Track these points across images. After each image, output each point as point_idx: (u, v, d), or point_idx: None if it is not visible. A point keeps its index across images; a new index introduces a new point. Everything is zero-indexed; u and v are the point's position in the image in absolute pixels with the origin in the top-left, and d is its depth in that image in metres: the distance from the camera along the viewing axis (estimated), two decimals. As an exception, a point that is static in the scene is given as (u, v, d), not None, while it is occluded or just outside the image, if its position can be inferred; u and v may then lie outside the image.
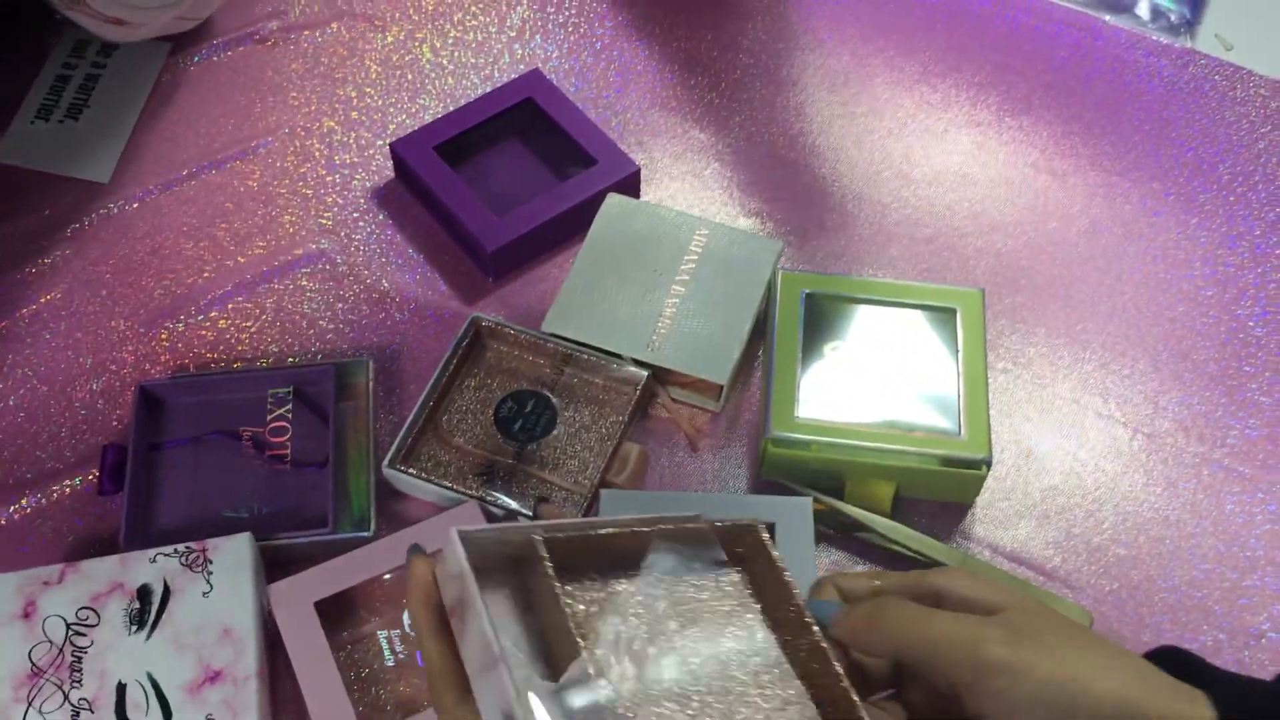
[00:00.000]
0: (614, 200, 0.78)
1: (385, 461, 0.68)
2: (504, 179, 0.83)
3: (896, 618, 0.49)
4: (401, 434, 0.69)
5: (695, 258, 0.76)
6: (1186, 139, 0.87)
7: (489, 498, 0.68)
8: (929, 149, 0.86)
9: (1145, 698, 0.46)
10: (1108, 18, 0.94)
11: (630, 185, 0.81)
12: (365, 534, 0.67)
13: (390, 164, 0.84)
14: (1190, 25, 0.94)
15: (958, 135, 0.87)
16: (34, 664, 0.60)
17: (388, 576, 0.65)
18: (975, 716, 0.49)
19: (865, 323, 0.74)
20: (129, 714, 0.58)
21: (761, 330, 0.75)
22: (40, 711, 0.58)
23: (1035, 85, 0.90)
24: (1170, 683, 0.47)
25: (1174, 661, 0.49)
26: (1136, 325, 0.78)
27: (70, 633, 0.61)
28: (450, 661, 0.45)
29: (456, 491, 0.68)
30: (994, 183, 0.85)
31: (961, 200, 0.84)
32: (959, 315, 0.73)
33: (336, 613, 0.64)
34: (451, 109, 0.86)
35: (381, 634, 0.64)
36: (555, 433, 0.71)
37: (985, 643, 0.47)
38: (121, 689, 0.59)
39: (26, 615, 0.61)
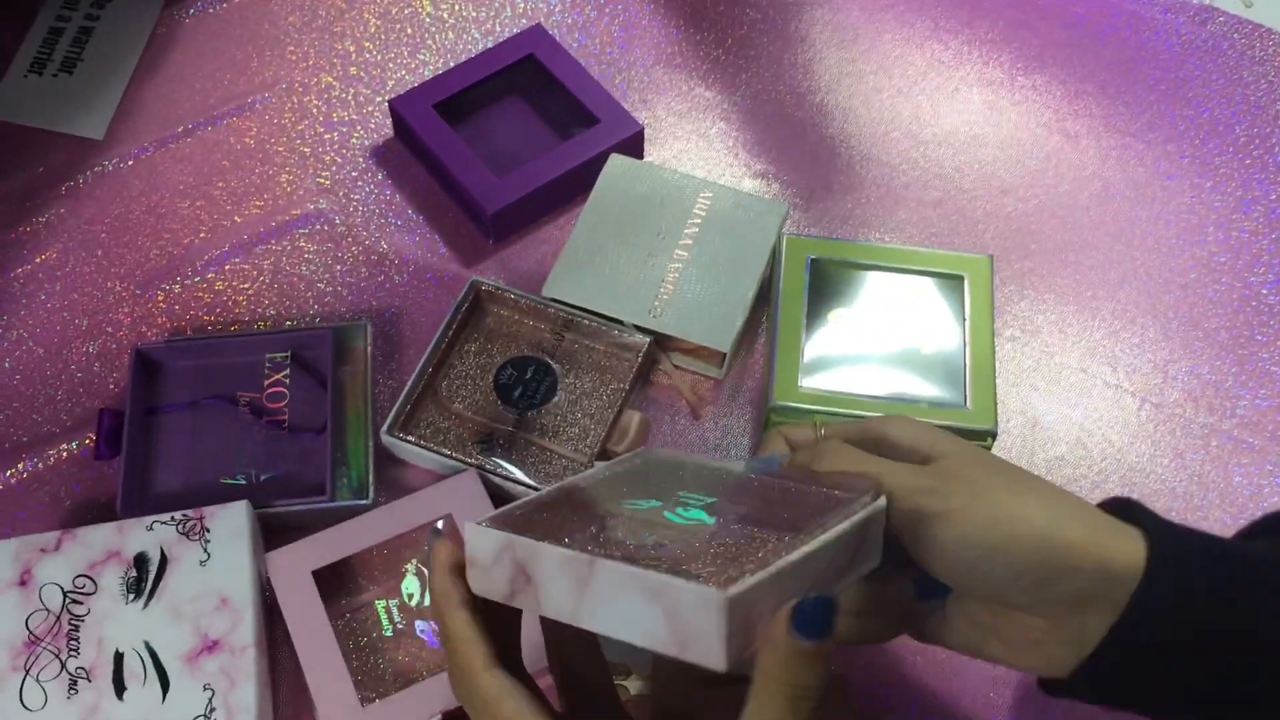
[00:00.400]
0: (617, 161, 0.77)
1: (384, 428, 0.68)
2: (505, 138, 0.81)
3: (834, 463, 0.50)
4: (400, 400, 0.69)
5: (699, 221, 0.74)
6: (1203, 99, 0.85)
7: (488, 465, 0.67)
8: (939, 108, 0.85)
9: (1073, 534, 0.47)
10: (1125, -28, 0.91)
11: (634, 145, 0.79)
12: (364, 502, 0.66)
13: (389, 121, 0.83)
14: (1210, -20, 0.92)
15: (969, 94, 0.85)
16: (31, 632, 0.60)
17: (407, 541, 0.65)
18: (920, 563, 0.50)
19: (871, 289, 0.73)
20: (127, 683, 0.58)
21: (766, 296, 0.74)
22: (38, 680, 0.58)
23: (1049, 42, 0.88)
24: (1107, 521, 0.48)
25: (1124, 509, 0.49)
26: (1147, 292, 0.77)
27: (67, 601, 0.60)
28: (479, 629, 0.45)
29: (456, 459, 0.67)
30: (1005, 144, 0.83)
31: (971, 162, 0.82)
32: (966, 282, 0.72)
33: (334, 581, 0.64)
34: (452, 65, 0.84)
35: (379, 603, 0.64)
36: (555, 400, 0.70)
37: (917, 492, 0.48)
38: (119, 658, 0.59)
39: (23, 583, 0.61)
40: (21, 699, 0.58)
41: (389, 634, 0.63)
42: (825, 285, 0.73)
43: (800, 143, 0.83)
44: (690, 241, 0.74)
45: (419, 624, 0.64)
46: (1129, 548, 0.47)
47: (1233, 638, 0.46)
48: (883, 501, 0.48)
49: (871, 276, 0.73)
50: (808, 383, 0.69)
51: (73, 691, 0.58)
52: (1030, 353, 0.74)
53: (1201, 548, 0.48)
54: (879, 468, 0.49)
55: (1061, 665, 0.48)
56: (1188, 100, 0.85)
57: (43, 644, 0.59)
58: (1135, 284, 0.77)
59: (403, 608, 0.64)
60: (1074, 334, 0.75)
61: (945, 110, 0.85)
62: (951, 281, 0.73)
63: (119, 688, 0.58)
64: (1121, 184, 0.81)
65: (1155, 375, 0.74)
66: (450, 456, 0.67)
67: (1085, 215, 0.80)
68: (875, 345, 0.71)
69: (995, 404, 0.68)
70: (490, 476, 0.67)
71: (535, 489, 0.66)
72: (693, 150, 0.83)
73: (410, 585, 0.65)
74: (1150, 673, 0.47)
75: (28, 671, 0.59)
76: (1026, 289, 0.77)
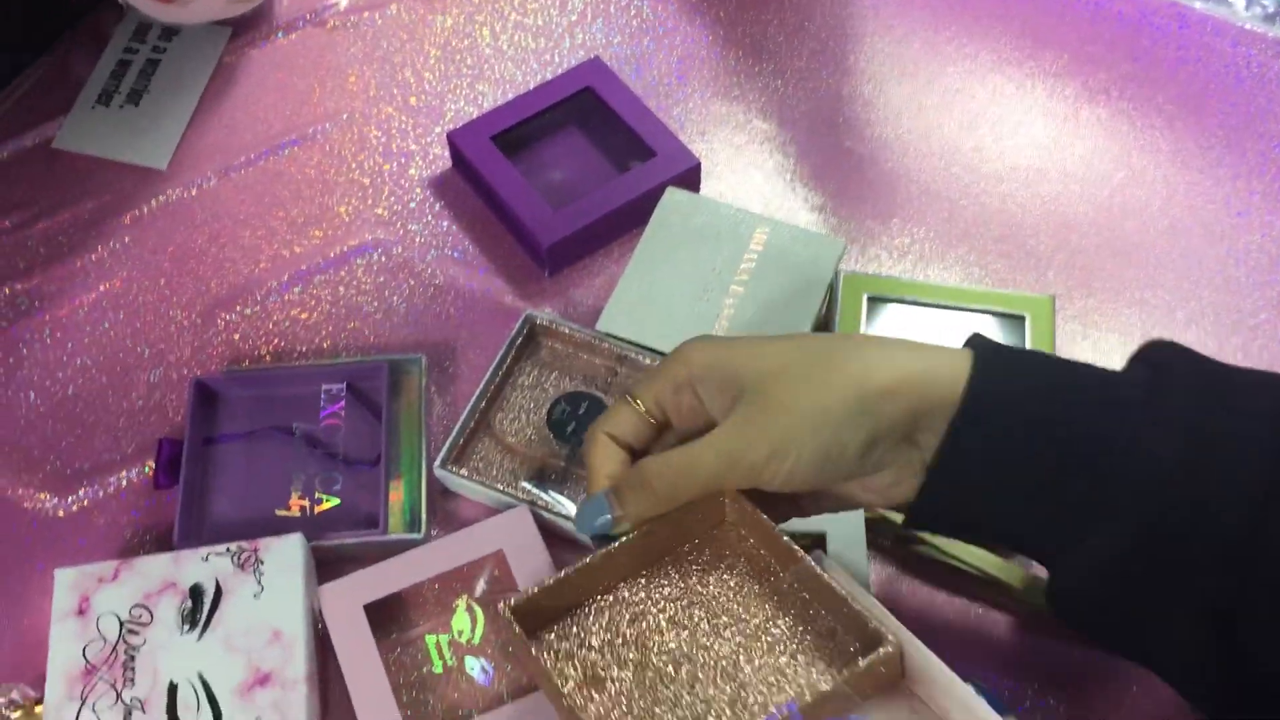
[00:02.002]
0: (673, 195, 0.76)
1: (437, 462, 0.68)
2: (561, 170, 0.81)
3: (665, 480, 0.51)
4: (454, 433, 0.69)
5: (755, 256, 0.74)
6: (1275, 134, 0.83)
7: (541, 500, 0.67)
8: (1002, 142, 0.83)
9: (882, 379, 0.47)
10: (1198, 4, 0.89)
11: (690, 179, 0.79)
12: (416, 535, 0.66)
13: (447, 153, 0.83)
14: (1283, 11, 0.90)
15: (1032, 128, 0.84)
16: (88, 661, 0.60)
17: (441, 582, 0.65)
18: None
19: (930, 328, 0.72)
20: (180, 714, 0.59)
21: (824, 332, 0.73)
22: (94, 710, 0.59)
23: (1116, 75, 0.86)
24: (925, 350, 0.49)
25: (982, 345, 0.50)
26: (1215, 334, 0.75)
27: (124, 630, 0.61)
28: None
29: (508, 494, 0.67)
30: (1069, 179, 0.82)
31: (1034, 198, 0.81)
32: (1028, 323, 0.71)
33: (386, 615, 0.64)
34: (510, 96, 0.85)
35: (430, 638, 0.64)
36: (608, 436, 0.70)
37: (740, 453, 0.50)
38: (173, 689, 0.59)
39: (81, 612, 0.62)
40: (78, 728, 0.58)
41: (439, 670, 0.63)
42: (883, 324, 0.72)
43: (859, 177, 0.82)
44: (746, 277, 0.73)
45: (469, 661, 0.63)
46: (952, 373, 0.47)
47: (1054, 446, 0.46)
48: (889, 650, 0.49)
49: (930, 315, 0.72)
50: (864, 423, 0.68)
51: (127, 722, 0.59)
52: (1093, 394, 0.73)
53: (1026, 360, 0.49)
54: (700, 459, 0.51)
55: (910, 489, 0.50)
56: (1259, 134, 0.83)
57: (99, 673, 0.60)
58: (1203, 325, 0.75)
59: (454, 644, 0.64)
60: (1139, 375, 0.73)
61: (1008, 144, 0.83)
62: (1013, 321, 0.72)
63: (173, 719, 0.59)
64: (1189, 221, 0.80)
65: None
66: (502, 491, 0.67)
67: (1151, 253, 0.78)
68: (933, 385, 0.70)
69: (1056, 448, 0.66)
70: (542, 512, 0.66)
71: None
72: (750, 184, 0.82)
73: (461, 621, 0.65)
74: (982, 490, 0.48)
75: (84, 700, 0.59)
76: (1090, 329, 0.75)
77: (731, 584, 0.53)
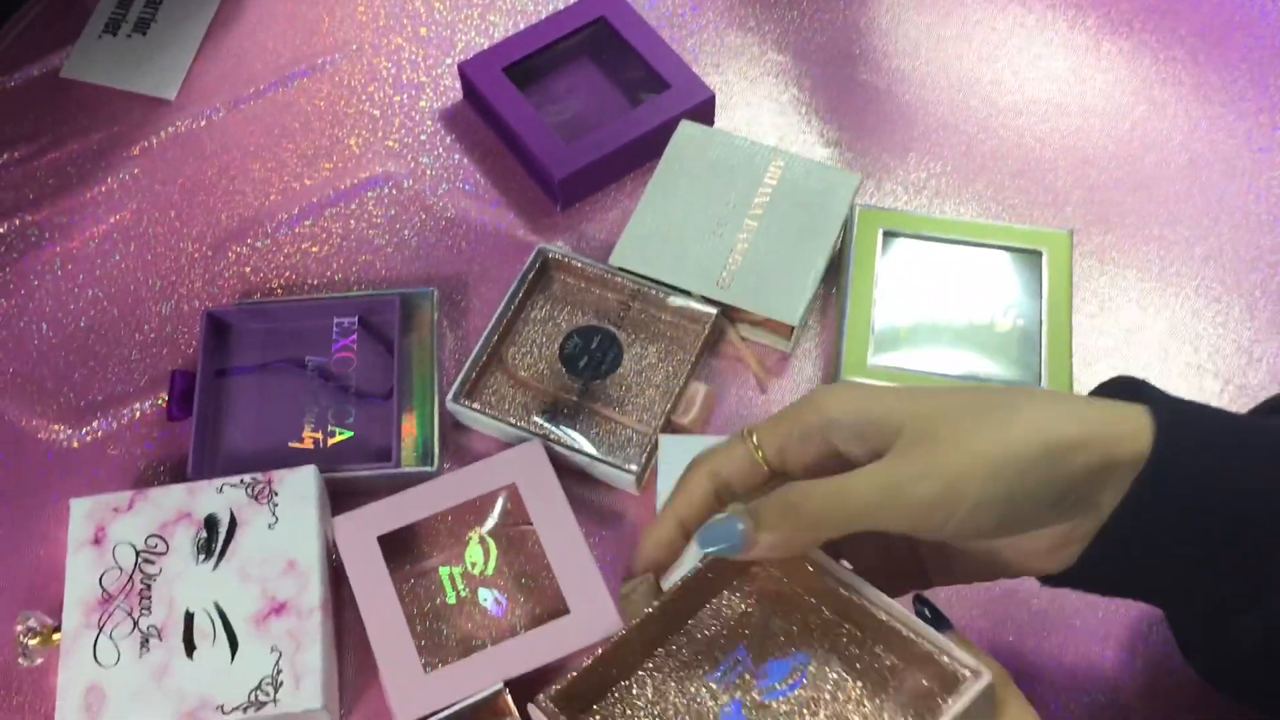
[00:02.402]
0: (687, 128, 0.75)
1: (450, 396, 0.68)
2: (574, 103, 0.80)
3: (809, 508, 0.45)
4: (466, 367, 0.69)
5: (770, 190, 0.73)
6: (1300, 68, 0.82)
7: (553, 434, 0.67)
8: (1021, 75, 0.82)
9: (1072, 435, 0.43)
10: (1221, -67, 0.87)
11: (705, 111, 0.78)
12: (429, 469, 0.67)
13: (458, 84, 0.82)
14: (1312, -59, 0.88)
15: (1052, 60, 0.83)
16: (105, 589, 0.61)
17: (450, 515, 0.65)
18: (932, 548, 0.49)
19: (946, 264, 0.71)
20: (197, 643, 0.59)
21: (837, 268, 0.73)
22: (111, 637, 0.60)
23: (1139, 6, 0.85)
24: (1105, 409, 0.45)
25: (1124, 388, 0.47)
26: (1233, 269, 0.74)
27: (140, 560, 0.62)
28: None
29: (520, 428, 0.67)
30: (1089, 113, 0.80)
31: (1053, 131, 0.80)
32: (1045, 258, 0.70)
33: (399, 547, 0.64)
34: (522, 26, 0.83)
35: (444, 570, 0.64)
36: (621, 370, 0.70)
37: (903, 488, 0.44)
38: (189, 618, 0.60)
39: (97, 541, 0.62)
40: (95, 655, 0.59)
41: (452, 601, 0.64)
42: (898, 259, 0.71)
43: (875, 110, 0.81)
44: (760, 211, 0.72)
45: (482, 592, 0.64)
46: (1135, 429, 0.44)
47: (1240, 509, 0.43)
48: (987, 678, 0.45)
49: (946, 250, 0.72)
50: (877, 360, 0.68)
51: (144, 650, 0.59)
52: (1109, 331, 0.72)
53: (1209, 418, 0.45)
54: (856, 489, 0.45)
55: (1070, 557, 0.46)
56: (1283, 68, 0.82)
57: (116, 601, 0.60)
58: (1221, 260, 0.75)
59: (466, 575, 0.64)
60: (1155, 312, 0.73)
61: (1027, 77, 0.82)
62: (1029, 257, 0.71)
63: (189, 647, 0.59)
64: (1210, 155, 0.79)
65: (1239, 356, 0.71)
66: (515, 425, 0.67)
67: (1171, 188, 0.77)
68: (948, 321, 0.69)
69: (1071, 384, 0.66)
70: (554, 446, 0.66)
71: (599, 459, 0.66)
72: (765, 117, 0.81)
73: (474, 553, 0.65)
74: (1156, 553, 0.45)
75: (101, 628, 0.60)
76: (1107, 264, 0.75)
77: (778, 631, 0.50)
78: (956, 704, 0.44)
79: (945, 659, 0.46)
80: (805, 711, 0.47)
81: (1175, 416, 0.44)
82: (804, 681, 0.48)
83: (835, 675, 0.48)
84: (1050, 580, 0.48)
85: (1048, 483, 0.43)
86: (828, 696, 0.48)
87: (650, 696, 0.49)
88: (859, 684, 0.48)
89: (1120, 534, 0.44)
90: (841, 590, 0.48)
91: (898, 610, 0.47)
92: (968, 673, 0.45)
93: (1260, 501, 0.43)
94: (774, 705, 0.48)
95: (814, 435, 0.47)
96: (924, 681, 0.47)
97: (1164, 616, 0.49)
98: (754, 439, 0.48)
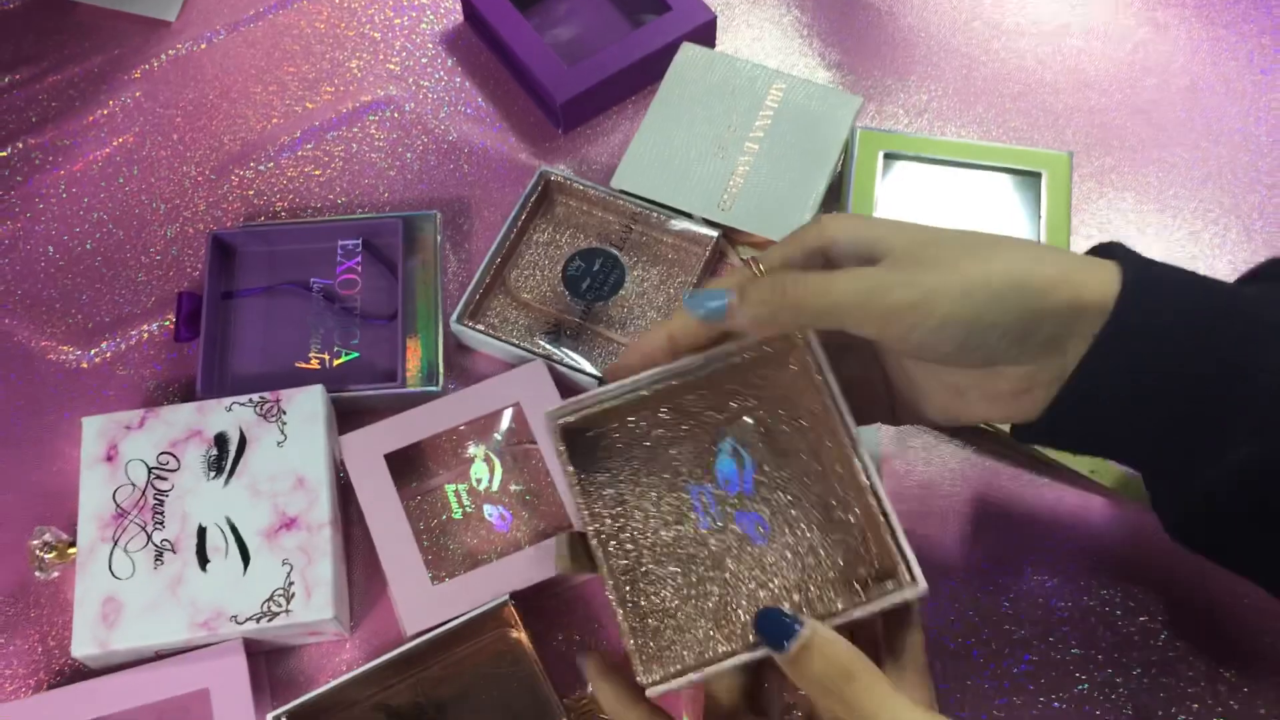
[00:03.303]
0: (688, 50, 0.75)
1: (453, 317, 0.69)
2: (575, 26, 0.80)
3: (795, 290, 0.48)
4: (469, 289, 0.69)
5: (771, 113, 0.73)
6: (1304, -11, 0.81)
7: (555, 355, 0.68)
8: (1023, -3, 0.82)
9: (1048, 273, 0.46)
10: None
11: (706, 34, 0.78)
12: (434, 389, 0.68)
13: (459, 6, 0.82)
14: None
15: (1055, -18, 0.82)
16: (118, 505, 0.62)
17: (463, 427, 0.66)
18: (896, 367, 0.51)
19: (946, 186, 0.72)
20: (210, 555, 0.61)
21: (837, 191, 0.73)
22: (125, 550, 0.61)
23: (1143, -73, 0.84)
24: (1079, 259, 0.47)
25: (1108, 250, 0.49)
26: (1231, 191, 0.75)
27: (152, 476, 0.63)
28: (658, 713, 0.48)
29: (523, 349, 0.68)
30: (1091, 34, 0.80)
31: (1055, 54, 0.80)
32: (1044, 180, 0.71)
33: (405, 465, 0.65)
34: (522, -52, 0.83)
35: (449, 487, 0.66)
36: (623, 292, 0.70)
37: (884, 290, 0.46)
38: (202, 532, 0.61)
39: (109, 459, 0.63)
40: (111, 568, 0.61)
41: (458, 516, 0.65)
42: (898, 181, 0.72)
43: (877, 32, 0.81)
44: (761, 134, 0.73)
45: (487, 508, 0.65)
46: (1104, 279, 0.46)
47: (1201, 365, 0.45)
48: (921, 590, 0.47)
49: (946, 173, 0.72)
50: (877, 279, 0.68)
51: (159, 562, 0.61)
52: (1106, 253, 0.73)
53: (1177, 277, 0.47)
54: (842, 281, 0.47)
55: (1036, 409, 0.48)
56: (1287, -10, 0.81)
57: (129, 516, 0.62)
58: (1219, 183, 0.75)
59: (471, 492, 0.66)
60: (1153, 234, 0.74)
61: (1029, -1, 0.82)
62: (1029, 179, 0.71)
63: (202, 560, 0.61)
64: (1211, 78, 0.79)
65: (1235, 277, 0.72)
66: (518, 346, 0.68)
67: (1171, 111, 0.77)
68: (947, 242, 0.70)
69: (1068, 305, 0.67)
70: (557, 366, 0.67)
71: (600, 379, 0.67)
72: (766, 39, 0.81)
73: (479, 470, 0.66)
74: (1120, 405, 0.46)
75: (116, 542, 0.61)
76: (1106, 187, 0.75)
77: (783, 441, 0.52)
78: (882, 599, 0.47)
79: (895, 551, 0.47)
80: (754, 505, 0.51)
81: (1144, 273, 0.46)
82: (756, 492, 0.51)
83: (790, 498, 0.51)
84: (1021, 434, 0.50)
85: (1015, 313, 0.45)
86: (773, 510, 0.51)
87: (642, 434, 0.53)
88: (810, 514, 0.50)
89: (1084, 384, 0.46)
90: (844, 441, 0.50)
91: (880, 486, 0.49)
92: (908, 577, 0.47)
93: (1220, 358, 0.45)
94: (727, 496, 0.51)
95: (815, 255, 0.50)
96: (861, 552, 0.49)
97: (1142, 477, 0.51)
98: (758, 265, 0.51)
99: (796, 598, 0.49)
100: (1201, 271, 0.71)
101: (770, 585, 0.49)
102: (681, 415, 0.53)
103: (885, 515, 0.48)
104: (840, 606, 0.48)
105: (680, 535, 0.51)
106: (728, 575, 0.50)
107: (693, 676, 0.47)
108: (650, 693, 0.47)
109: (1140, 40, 0.80)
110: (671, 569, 0.51)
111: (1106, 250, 0.49)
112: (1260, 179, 0.75)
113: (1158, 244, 0.73)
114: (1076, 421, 0.48)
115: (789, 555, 0.50)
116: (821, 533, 0.50)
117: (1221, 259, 0.73)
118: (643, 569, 0.51)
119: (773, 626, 0.45)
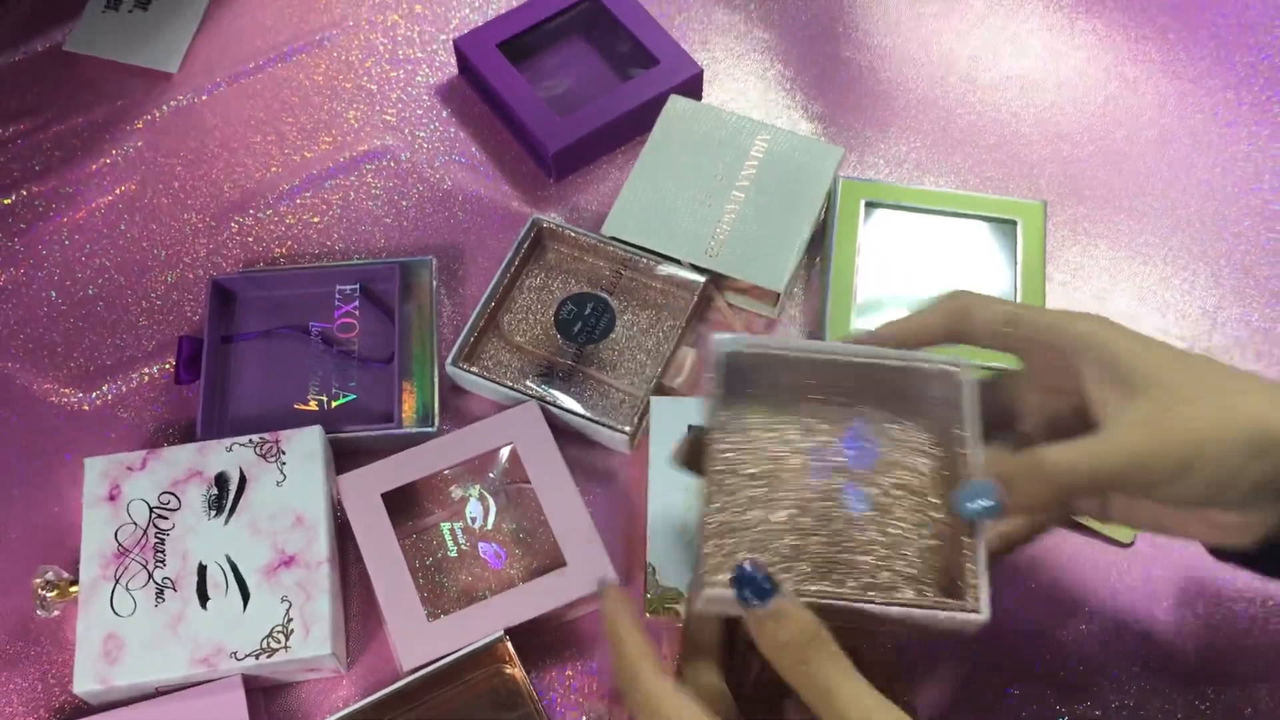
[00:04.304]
0: (676, 102, 0.78)
1: (449, 360, 0.71)
2: (566, 78, 0.83)
3: (1059, 478, 0.46)
4: (464, 333, 0.71)
5: (756, 163, 0.76)
6: (1264, 46, 0.85)
7: (548, 397, 0.70)
8: (998, 52, 0.85)
9: None
10: (1192, -85, 0.90)
11: (693, 87, 0.81)
12: (430, 429, 0.69)
13: (454, 60, 0.85)
14: (1278, -77, 0.91)
15: (1028, 38, 0.86)
16: (120, 544, 0.63)
17: (448, 471, 0.68)
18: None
19: (925, 233, 0.74)
20: (210, 593, 0.62)
21: (821, 238, 0.76)
22: (127, 588, 0.62)
23: (1111, -14, 0.88)
24: None
25: None
26: (1199, 239, 0.78)
27: (153, 516, 0.64)
28: (649, 646, 0.48)
29: (516, 391, 0.70)
30: (1063, 88, 0.83)
31: (1028, 107, 0.83)
32: (1020, 228, 0.73)
33: (402, 504, 0.67)
34: (516, 3, 0.86)
35: (444, 525, 0.67)
36: (613, 335, 0.72)
37: (1152, 465, 0.45)
38: (202, 570, 0.63)
39: (112, 498, 0.65)
40: (113, 605, 0.62)
41: (454, 554, 0.67)
42: (880, 229, 0.74)
43: (858, 86, 0.84)
44: (747, 183, 0.75)
45: (482, 546, 0.67)
46: None
47: None
48: (982, 619, 0.47)
49: (926, 220, 0.75)
50: (860, 324, 0.71)
51: (160, 600, 0.62)
52: (1081, 298, 0.76)
53: None
54: (1088, 460, 0.46)
55: (1251, 539, 0.48)
56: (1248, 46, 0.85)
57: (131, 555, 0.63)
58: (1188, 231, 0.78)
59: (466, 530, 0.67)
60: (1125, 279, 0.76)
61: (1004, 54, 0.85)
62: (1005, 227, 0.74)
63: (203, 597, 0.62)
64: (1179, 130, 0.82)
65: (1204, 321, 0.75)
66: (511, 388, 0.70)
67: (1141, 161, 0.80)
68: (928, 288, 0.72)
69: (1044, 347, 0.69)
70: (551, 408, 0.69)
71: (593, 420, 0.69)
72: (751, 92, 0.84)
73: (474, 509, 0.68)
74: None
75: (118, 580, 0.62)
76: (1079, 234, 0.78)
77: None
78: (948, 611, 0.47)
79: (970, 573, 0.48)
80: (866, 482, 0.51)
81: None
82: (873, 471, 0.51)
83: (899, 492, 0.51)
84: (1221, 553, 0.50)
85: (1254, 468, 0.45)
86: (882, 491, 0.51)
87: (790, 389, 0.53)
88: (912, 513, 0.51)
89: None
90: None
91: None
92: (971, 601, 0.47)
93: None
94: (846, 466, 0.52)
95: (1066, 345, 0.49)
96: (941, 565, 0.49)
97: None
98: (1014, 309, 0.50)
99: (866, 580, 0.49)
100: (1172, 318, 0.74)
101: (852, 554, 0.50)
102: (834, 391, 0.53)
103: (972, 538, 0.49)
104: (907, 596, 0.48)
105: (786, 478, 0.52)
106: (814, 528, 0.51)
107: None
108: (707, 595, 0.47)
109: (1110, 94, 0.83)
110: (765, 502, 0.51)
111: None
112: (1227, 227, 0.78)
113: (1130, 290, 0.76)
114: None
115: (879, 537, 0.50)
116: (916, 529, 0.51)
117: (1192, 304, 0.75)
118: (742, 492, 0.51)
119: (751, 584, 0.45)
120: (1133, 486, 0.47)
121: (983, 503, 0.47)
